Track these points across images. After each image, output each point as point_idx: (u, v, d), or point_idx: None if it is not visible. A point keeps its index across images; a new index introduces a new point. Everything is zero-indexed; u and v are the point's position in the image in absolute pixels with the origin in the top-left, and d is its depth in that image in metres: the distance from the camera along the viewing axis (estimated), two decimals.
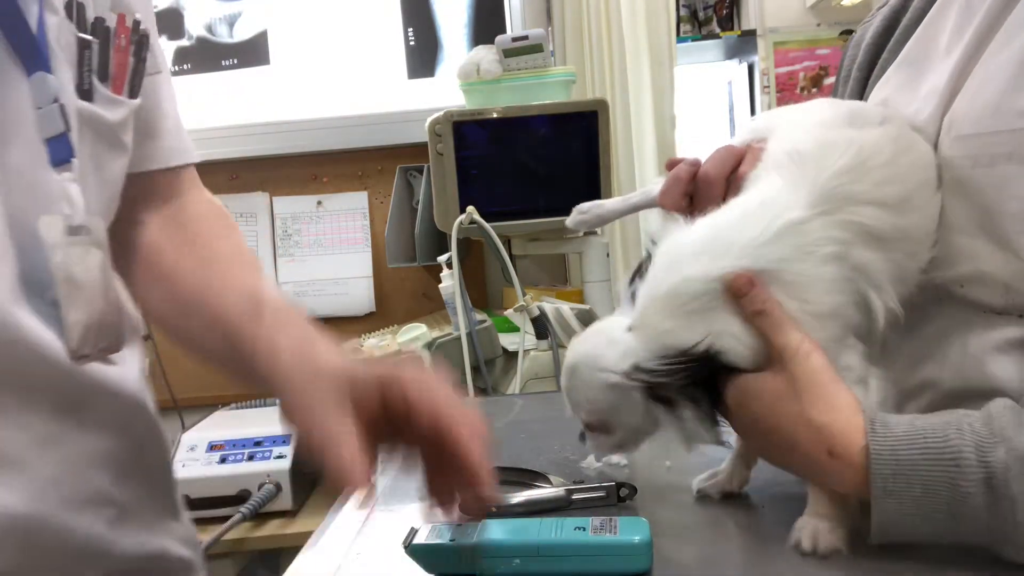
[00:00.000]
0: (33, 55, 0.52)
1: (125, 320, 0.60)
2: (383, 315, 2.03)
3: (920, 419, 0.53)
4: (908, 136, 0.64)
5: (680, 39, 3.19)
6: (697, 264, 0.59)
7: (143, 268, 0.69)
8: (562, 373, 0.66)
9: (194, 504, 2.00)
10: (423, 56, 2.14)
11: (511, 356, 1.60)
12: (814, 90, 3.22)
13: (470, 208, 1.54)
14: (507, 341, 1.65)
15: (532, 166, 1.79)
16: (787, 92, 3.31)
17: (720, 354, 0.59)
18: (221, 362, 0.64)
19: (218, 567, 1.96)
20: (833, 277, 0.58)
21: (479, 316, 1.59)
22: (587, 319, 1.72)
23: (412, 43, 2.14)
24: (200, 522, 2.00)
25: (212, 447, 2.05)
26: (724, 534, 0.62)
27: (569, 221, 0.84)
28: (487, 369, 1.54)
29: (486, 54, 1.72)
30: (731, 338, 0.58)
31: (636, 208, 0.81)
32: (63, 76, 0.55)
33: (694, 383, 0.59)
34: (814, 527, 0.57)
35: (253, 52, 2.11)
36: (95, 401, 0.57)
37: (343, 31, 2.10)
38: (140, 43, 0.63)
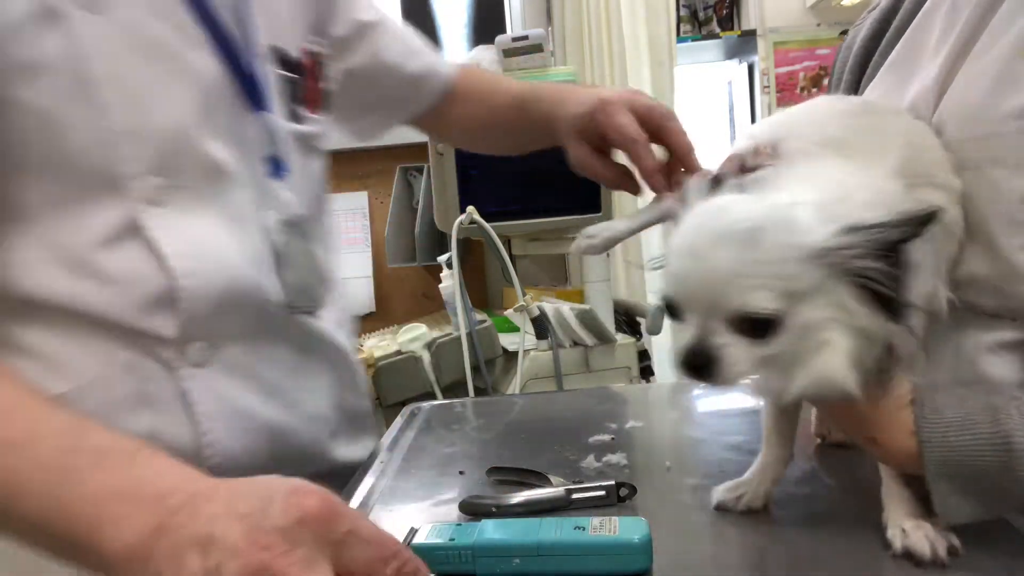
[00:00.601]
0: (258, 99, 0.74)
1: (325, 286, 0.80)
2: (383, 315, 2.04)
3: (967, 401, 0.52)
4: (924, 126, 0.63)
5: (680, 39, 3.19)
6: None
7: (472, 97, 1.00)
8: (721, 239, 0.50)
9: None
10: None
11: (511, 356, 1.60)
12: (814, 90, 3.22)
13: (470, 208, 1.54)
14: (507, 341, 1.65)
15: (532, 166, 1.79)
16: (787, 92, 3.31)
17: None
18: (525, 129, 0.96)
19: None
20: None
21: (479, 316, 1.59)
22: (587, 319, 1.72)
23: None
24: None
25: None
26: (724, 534, 0.62)
27: (575, 247, 0.79)
28: (487, 369, 1.54)
29: (486, 54, 1.72)
30: None
31: (646, 225, 0.77)
32: (277, 110, 0.76)
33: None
34: (924, 532, 0.53)
35: None
36: (318, 346, 0.80)
37: None
38: (320, 66, 0.84)
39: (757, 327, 0.50)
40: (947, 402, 0.53)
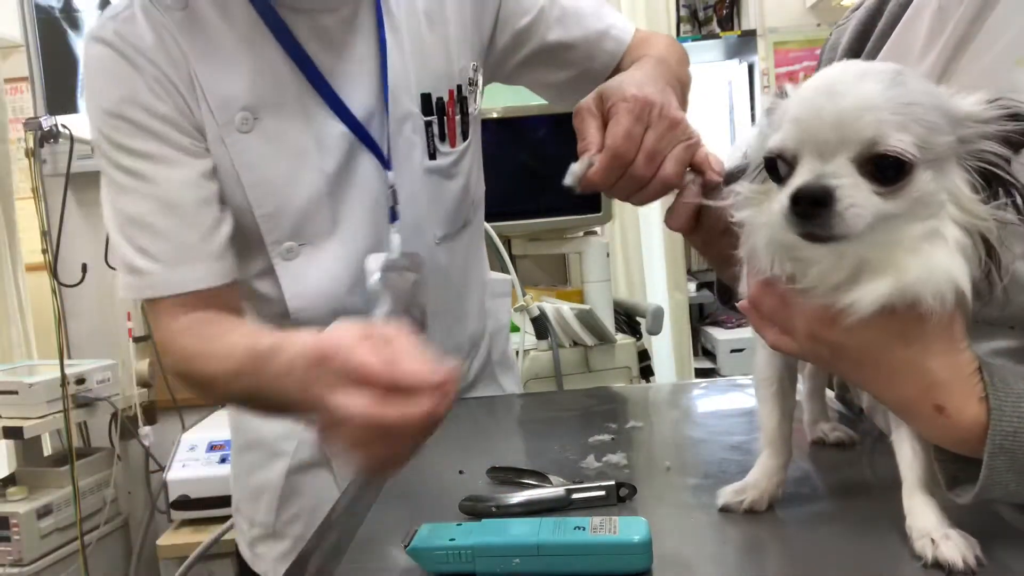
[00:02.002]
0: (383, 160, 0.94)
1: (424, 311, 0.94)
2: None
3: None
4: None
5: (680, 39, 3.19)
6: None
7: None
8: (865, 75, 0.48)
9: (194, 504, 2.00)
10: None
11: None
12: None
13: None
14: None
15: (532, 166, 1.79)
16: None
17: None
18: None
19: (218, 567, 1.96)
20: None
21: None
22: (587, 319, 1.72)
23: None
24: (200, 522, 2.00)
25: (212, 447, 2.05)
26: (723, 534, 0.62)
27: (570, 173, 0.76)
28: None
29: None
30: None
31: None
32: (411, 161, 0.95)
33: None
34: (953, 542, 0.51)
35: None
36: None
37: None
38: (463, 101, 0.99)
39: (885, 172, 0.46)
40: (1012, 373, 0.51)
